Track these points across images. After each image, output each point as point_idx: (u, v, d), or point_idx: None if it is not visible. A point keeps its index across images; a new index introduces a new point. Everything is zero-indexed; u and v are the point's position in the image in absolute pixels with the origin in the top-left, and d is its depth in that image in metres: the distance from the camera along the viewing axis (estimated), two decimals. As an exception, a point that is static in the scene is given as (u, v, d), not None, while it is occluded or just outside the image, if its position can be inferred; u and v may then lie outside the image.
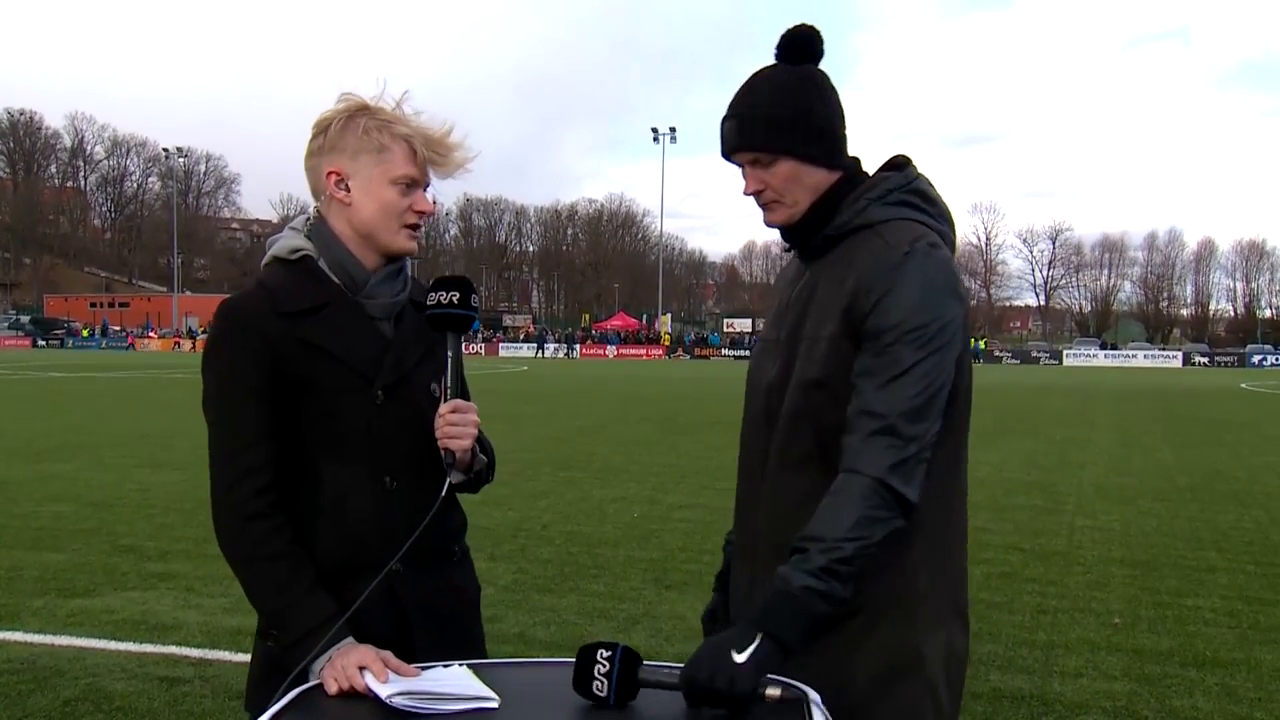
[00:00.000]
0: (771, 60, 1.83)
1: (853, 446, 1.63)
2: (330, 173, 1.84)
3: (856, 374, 1.66)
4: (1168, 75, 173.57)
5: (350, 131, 1.83)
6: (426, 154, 1.85)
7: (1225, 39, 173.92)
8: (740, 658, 1.50)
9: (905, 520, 1.62)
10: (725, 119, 1.81)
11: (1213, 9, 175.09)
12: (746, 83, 1.81)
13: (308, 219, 1.91)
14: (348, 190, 1.84)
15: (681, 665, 1.54)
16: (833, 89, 1.80)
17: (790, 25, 1.81)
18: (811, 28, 1.80)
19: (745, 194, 1.82)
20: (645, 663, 1.55)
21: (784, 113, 1.75)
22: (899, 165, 1.84)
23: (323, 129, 1.85)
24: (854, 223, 1.75)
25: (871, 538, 1.58)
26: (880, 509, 1.59)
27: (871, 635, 1.69)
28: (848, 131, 1.82)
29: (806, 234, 1.81)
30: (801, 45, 1.79)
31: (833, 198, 1.78)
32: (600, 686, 1.52)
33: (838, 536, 1.57)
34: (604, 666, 1.52)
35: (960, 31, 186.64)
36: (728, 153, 1.81)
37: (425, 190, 1.88)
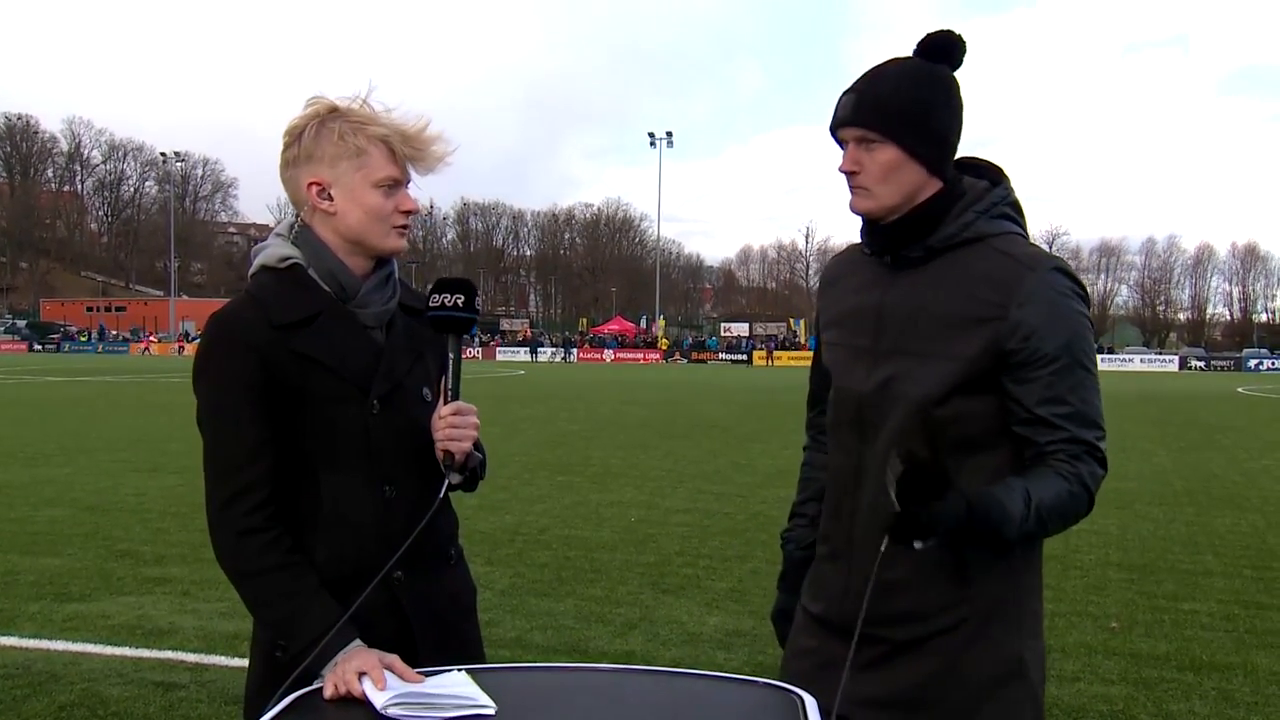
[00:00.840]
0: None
1: (1068, 466, 1.68)
2: (311, 183, 1.81)
3: (1036, 400, 1.68)
4: (1166, 81, 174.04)
5: (325, 138, 1.79)
6: (405, 151, 1.82)
7: (1223, 45, 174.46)
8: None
9: None
10: (845, 93, 1.76)
11: (1211, 16, 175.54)
12: (877, 65, 1.76)
13: (292, 225, 1.87)
14: (331, 199, 1.81)
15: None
16: (960, 100, 1.76)
17: (937, 29, 1.76)
18: (957, 34, 1.74)
19: (840, 169, 1.77)
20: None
21: (905, 102, 1.71)
22: (970, 166, 1.82)
23: (295, 137, 1.82)
24: (963, 235, 1.73)
25: (1049, 533, 1.70)
26: (1076, 517, 1.71)
27: (980, 641, 1.74)
28: (959, 144, 1.79)
29: (903, 241, 1.76)
30: (941, 48, 1.75)
31: (934, 208, 1.74)
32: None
33: (1047, 513, 1.66)
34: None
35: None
36: (836, 126, 1.77)
37: (408, 187, 1.86)
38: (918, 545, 1.57)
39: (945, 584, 1.73)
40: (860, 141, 1.74)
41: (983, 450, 1.73)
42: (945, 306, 1.72)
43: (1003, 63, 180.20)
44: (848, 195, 1.79)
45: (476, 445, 1.87)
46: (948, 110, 1.74)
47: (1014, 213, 1.78)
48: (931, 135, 1.72)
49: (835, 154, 1.83)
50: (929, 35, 1.75)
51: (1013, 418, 1.70)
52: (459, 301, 1.78)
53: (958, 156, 1.80)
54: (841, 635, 1.83)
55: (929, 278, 1.75)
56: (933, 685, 1.74)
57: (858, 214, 1.80)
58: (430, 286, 1.83)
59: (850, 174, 1.76)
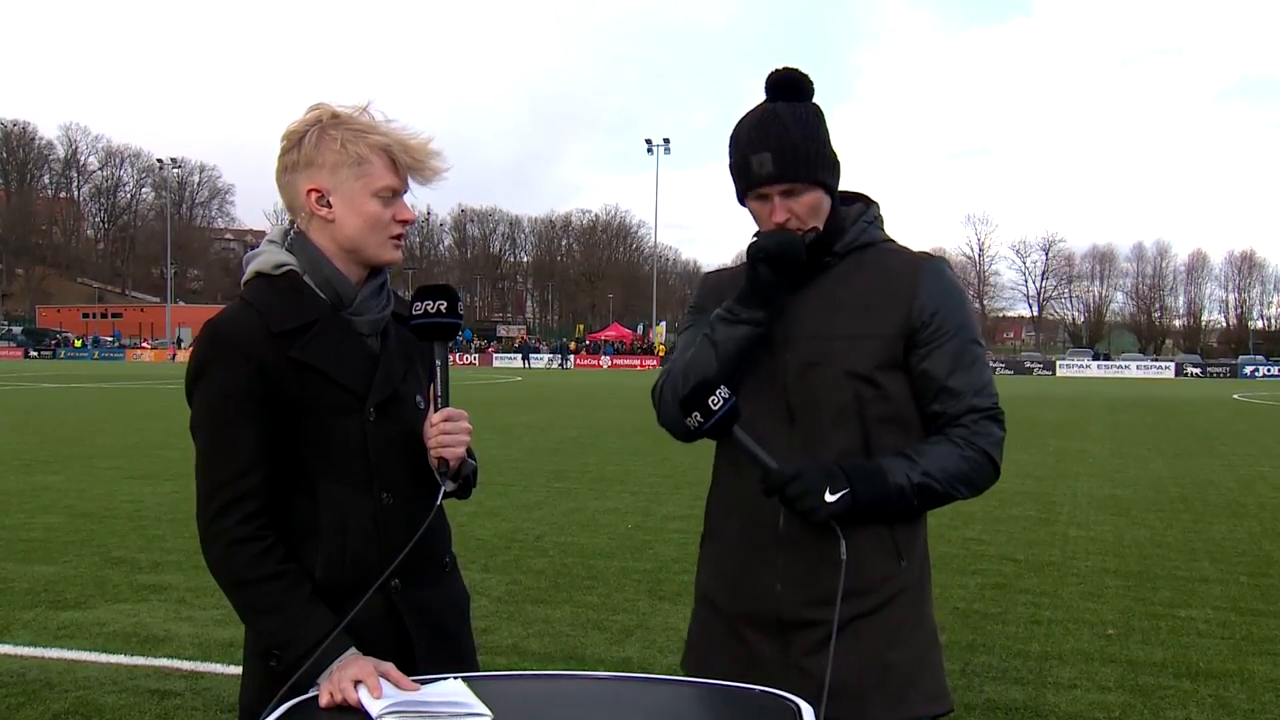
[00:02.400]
0: (757, 93, 1.94)
1: (966, 428, 1.88)
2: (310, 190, 1.81)
3: (945, 372, 1.87)
4: (1162, 90, 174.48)
5: (326, 144, 1.79)
6: (405, 161, 1.82)
7: (1219, 55, 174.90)
8: (830, 498, 1.78)
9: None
10: (753, 153, 1.87)
11: (1209, 27, 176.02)
12: (764, 117, 1.89)
13: (286, 232, 1.86)
14: (330, 206, 1.81)
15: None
16: None
17: (778, 67, 1.93)
18: (802, 72, 1.93)
19: (775, 221, 1.89)
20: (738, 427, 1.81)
21: (813, 146, 1.88)
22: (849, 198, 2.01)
23: (295, 143, 1.81)
24: (860, 240, 1.96)
25: (955, 496, 1.87)
26: (980, 479, 1.90)
27: (910, 615, 1.90)
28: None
29: (817, 255, 1.92)
30: (797, 85, 1.91)
31: (838, 221, 1.94)
32: (697, 423, 1.79)
33: (940, 475, 1.84)
34: (718, 401, 1.77)
35: (959, 47, 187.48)
36: (758, 184, 1.88)
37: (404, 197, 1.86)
38: (830, 498, 1.75)
39: (881, 559, 1.87)
40: (787, 194, 1.88)
41: (911, 429, 1.90)
42: (858, 295, 1.90)
43: (1000, 72, 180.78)
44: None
45: (469, 452, 1.87)
46: (830, 140, 1.92)
47: (882, 224, 2.03)
48: (833, 167, 1.92)
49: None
50: (780, 79, 1.91)
51: (926, 394, 1.89)
52: (442, 307, 1.78)
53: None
54: (774, 628, 1.90)
55: (837, 276, 1.93)
56: (871, 669, 1.85)
57: None
58: (411, 295, 1.83)
59: (784, 223, 1.89)
